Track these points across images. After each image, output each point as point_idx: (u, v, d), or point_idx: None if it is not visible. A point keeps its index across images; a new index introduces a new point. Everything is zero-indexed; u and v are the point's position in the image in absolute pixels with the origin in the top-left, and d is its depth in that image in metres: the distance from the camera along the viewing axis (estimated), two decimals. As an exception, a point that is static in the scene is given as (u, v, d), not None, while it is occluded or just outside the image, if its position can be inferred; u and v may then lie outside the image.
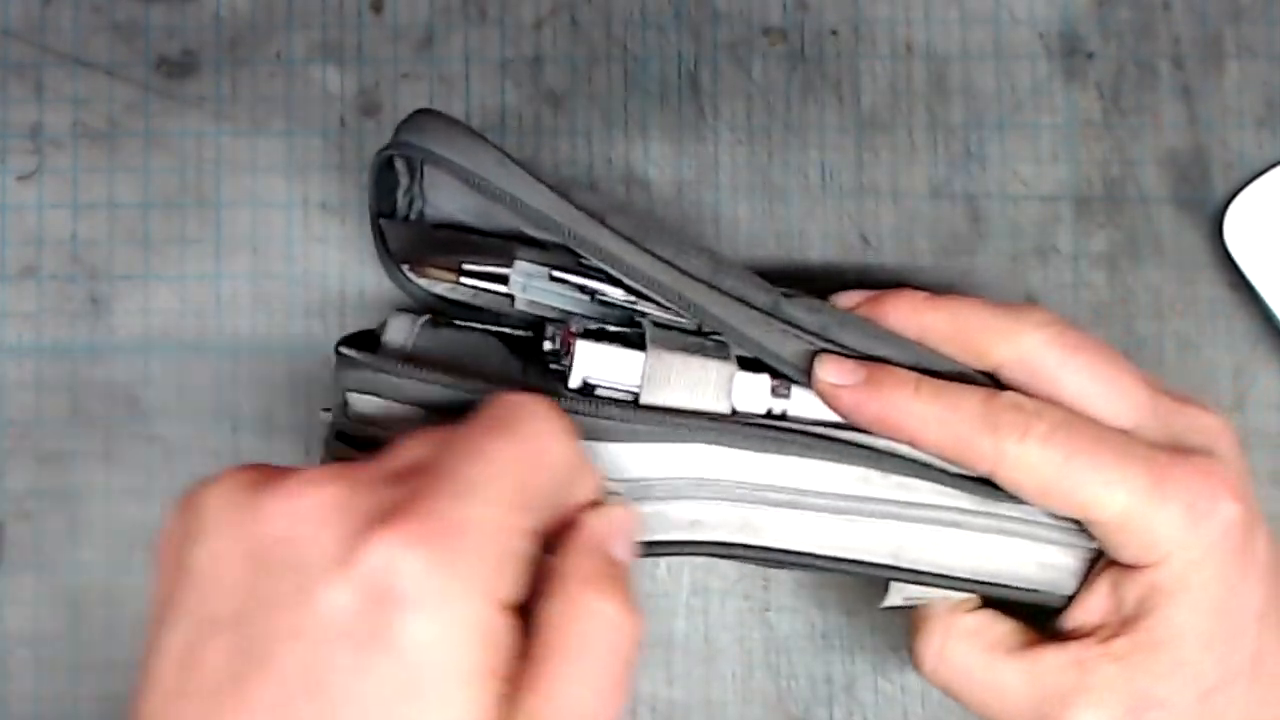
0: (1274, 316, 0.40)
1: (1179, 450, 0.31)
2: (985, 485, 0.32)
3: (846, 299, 0.34)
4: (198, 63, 0.41)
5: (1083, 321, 0.41)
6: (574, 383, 0.31)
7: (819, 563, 0.32)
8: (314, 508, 0.25)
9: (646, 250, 0.32)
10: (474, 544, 0.24)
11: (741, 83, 0.41)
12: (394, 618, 0.23)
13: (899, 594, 0.34)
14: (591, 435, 0.31)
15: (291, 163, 0.41)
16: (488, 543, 0.24)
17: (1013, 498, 0.31)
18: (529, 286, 0.35)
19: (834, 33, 0.41)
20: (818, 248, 0.41)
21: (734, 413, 0.32)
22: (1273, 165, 0.40)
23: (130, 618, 0.40)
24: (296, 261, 0.41)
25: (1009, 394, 0.31)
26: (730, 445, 0.31)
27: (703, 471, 0.32)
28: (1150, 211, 0.41)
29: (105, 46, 0.41)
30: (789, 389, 0.32)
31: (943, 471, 0.32)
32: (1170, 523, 0.30)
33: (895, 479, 0.32)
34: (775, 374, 0.32)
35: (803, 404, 0.32)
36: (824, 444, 0.32)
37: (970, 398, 0.31)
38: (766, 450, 0.31)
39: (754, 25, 0.41)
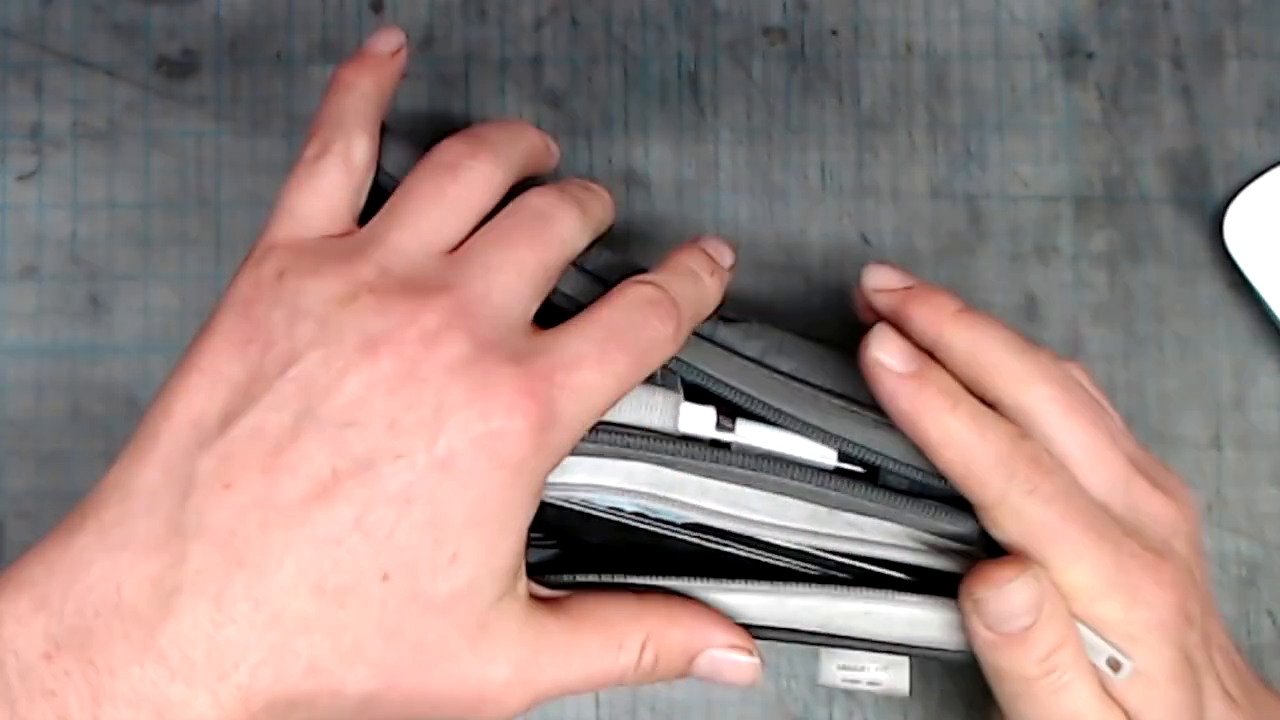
0: (1274, 316, 0.40)
1: (1137, 541, 0.31)
2: (931, 517, 0.32)
3: (880, 277, 0.33)
4: (198, 63, 0.41)
5: (1083, 321, 0.41)
6: None
7: (752, 631, 0.32)
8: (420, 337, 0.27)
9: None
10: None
11: (741, 83, 0.41)
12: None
13: (832, 663, 0.33)
14: None
15: (291, 163, 0.41)
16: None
17: (961, 537, 0.32)
18: None
19: (834, 33, 0.41)
20: (818, 248, 0.41)
21: (681, 438, 0.32)
22: (1273, 165, 0.40)
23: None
24: (296, 261, 0.41)
25: (1031, 444, 0.31)
26: (675, 468, 0.31)
27: (648, 489, 0.31)
28: (1150, 211, 0.41)
29: (105, 46, 0.41)
30: (734, 422, 0.32)
31: (886, 506, 0.32)
32: (1112, 607, 0.30)
33: (844, 517, 0.32)
34: (721, 407, 0.32)
35: (748, 438, 0.32)
36: (767, 476, 0.31)
37: (998, 435, 0.31)
38: (711, 476, 0.31)
39: (754, 25, 0.41)
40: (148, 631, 0.25)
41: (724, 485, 0.31)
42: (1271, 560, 0.40)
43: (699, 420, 0.32)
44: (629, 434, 0.31)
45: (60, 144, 0.41)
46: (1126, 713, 0.30)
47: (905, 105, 0.41)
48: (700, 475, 0.31)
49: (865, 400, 0.32)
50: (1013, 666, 0.30)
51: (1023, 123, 0.41)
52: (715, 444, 0.32)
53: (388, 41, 0.33)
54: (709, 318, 0.33)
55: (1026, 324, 0.41)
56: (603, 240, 0.33)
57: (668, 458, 0.31)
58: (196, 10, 0.41)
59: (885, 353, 0.31)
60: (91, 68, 0.41)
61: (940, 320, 0.32)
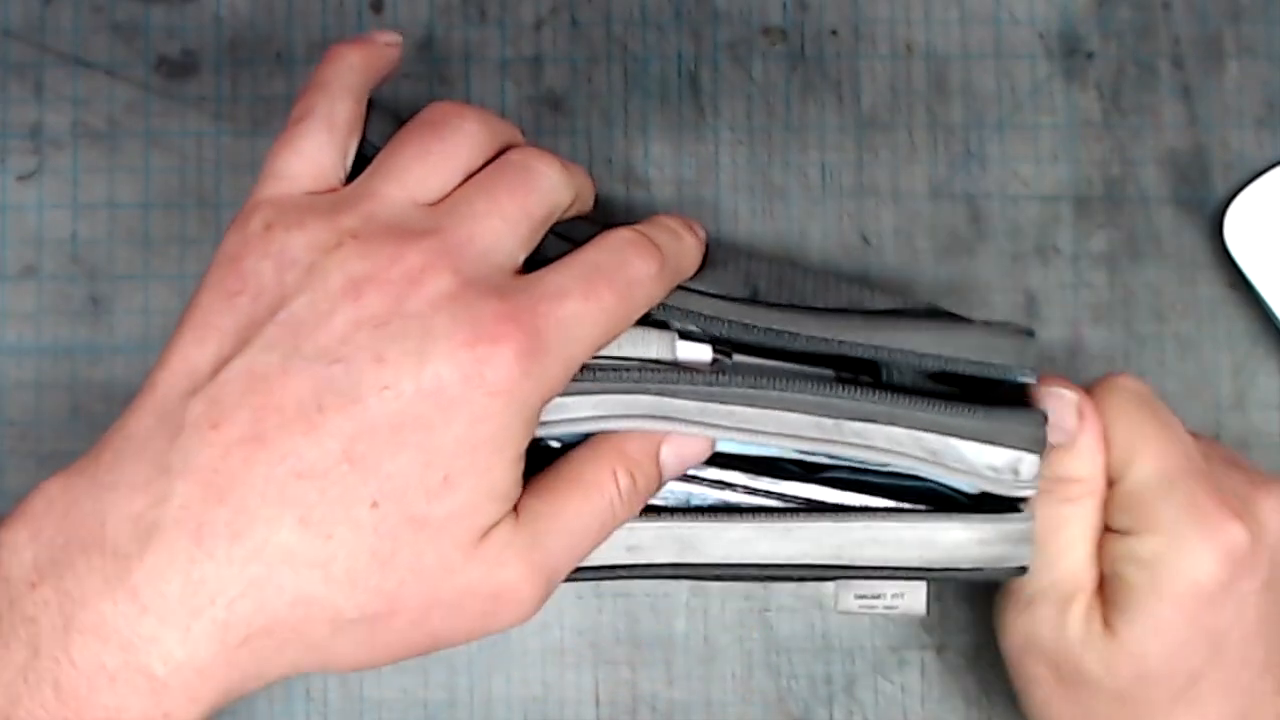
0: (1274, 316, 0.40)
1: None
2: (938, 413, 0.32)
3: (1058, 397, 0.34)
4: (198, 63, 0.41)
5: (1083, 321, 0.41)
6: None
7: (765, 572, 0.33)
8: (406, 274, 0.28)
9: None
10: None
11: (741, 83, 0.41)
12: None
13: (849, 593, 0.34)
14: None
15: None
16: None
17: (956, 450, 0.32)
18: None
19: (834, 33, 0.41)
20: (818, 248, 0.41)
21: (681, 367, 0.32)
22: (1273, 165, 0.40)
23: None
24: (296, 261, 0.41)
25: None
26: (676, 396, 0.31)
27: (649, 411, 0.32)
28: (1150, 211, 0.41)
29: (105, 46, 0.41)
30: (731, 356, 0.33)
31: (891, 406, 0.32)
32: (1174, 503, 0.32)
33: (850, 426, 0.32)
34: (717, 344, 0.33)
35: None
36: (769, 392, 0.31)
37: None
38: (712, 400, 0.31)
39: (754, 25, 0.41)
40: (123, 566, 0.26)
41: (727, 408, 0.31)
42: (1271, 560, 0.40)
43: (695, 354, 0.32)
44: (628, 368, 0.31)
45: (60, 144, 0.41)
46: (1111, 618, 0.32)
47: (905, 105, 0.41)
48: (701, 400, 0.31)
49: (860, 306, 0.33)
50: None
51: (1023, 123, 0.41)
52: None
53: (385, 35, 0.34)
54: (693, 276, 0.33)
55: (1026, 324, 0.41)
56: (587, 220, 0.33)
57: (669, 386, 0.31)
58: (196, 10, 0.41)
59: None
60: (91, 68, 0.41)
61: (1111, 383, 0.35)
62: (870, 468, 0.33)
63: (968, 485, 0.33)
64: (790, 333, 0.32)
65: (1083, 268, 0.41)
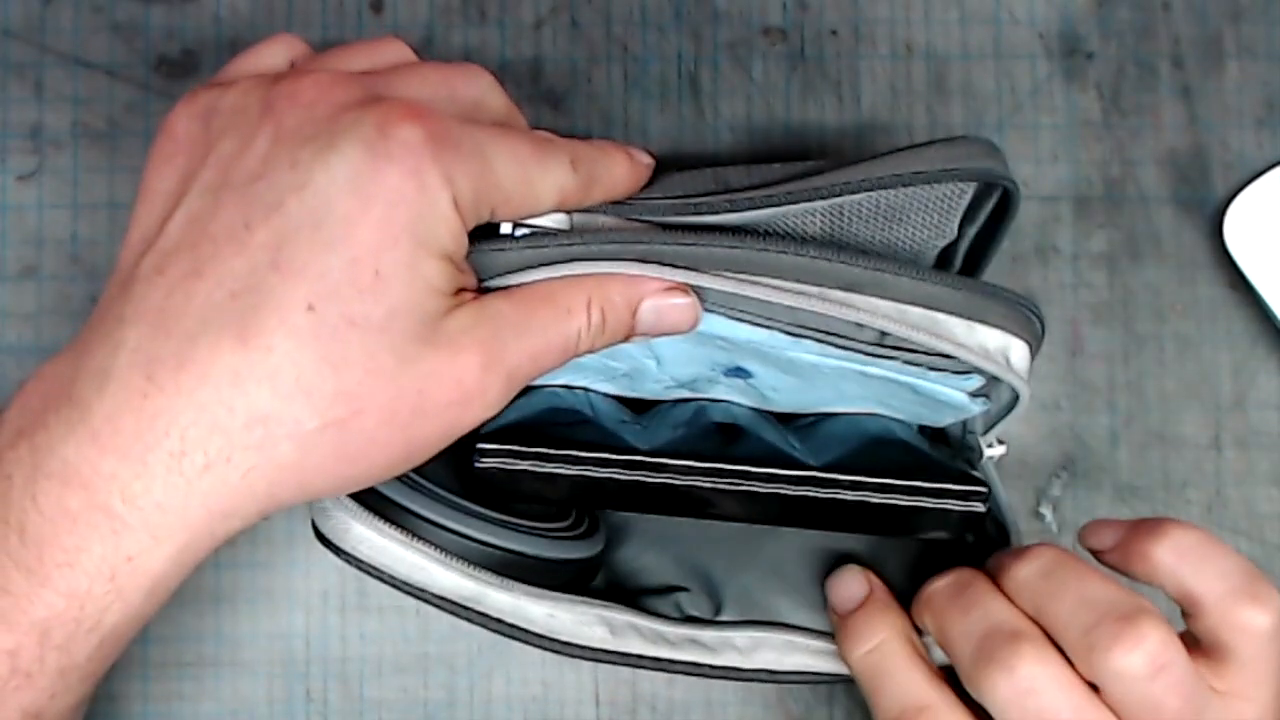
0: (1273, 316, 0.40)
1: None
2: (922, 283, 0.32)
3: (1099, 537, 0.33)
4: (198, 63, 0.41)
5: (1083, 321, 0.41)
6: (505, 229, 0.32)
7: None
8: (324, 84, 0.29)
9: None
10: (457, 141, 0.29)
11: (741, 83, 0.41)
12: (386, 168, 0.27)
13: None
14: (526, 264, 0.31)
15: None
16: (467, 147, 0.29)
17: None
18: None
19: (834, 33, 0.41)
20: (818, 248, 0.41)
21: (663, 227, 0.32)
22: (1273, 165, 0.40)
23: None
24: (296, 261, 0.41)
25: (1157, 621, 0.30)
26: (660, 259, 0.31)
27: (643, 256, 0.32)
28: (1150, 211, 0.41)
29: (105, 46, 0.41)
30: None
31: (876, 271, 0.31)
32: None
33: (836, 294, 0.31)
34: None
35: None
36: (753, 255, 0.31)
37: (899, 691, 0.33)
38: (698, 265, 0.31)
39: (754, 25, 0.41)
40: (84, 411, 0.27)
41: (712, 262, 0.32)
42: (1271, 560, 0.40)
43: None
44: (608, 233, 0.31)
45: (60, 144, 0.41)
46: None
47: (905, 105, 0.41)
48: (685, 265, 0.31)
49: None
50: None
51: (1023, 123, 0.41)
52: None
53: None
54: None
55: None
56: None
57: (654, 248, 0.31)
58: (196, 10, 0.41)
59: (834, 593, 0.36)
60: (91, 68, 0.41)
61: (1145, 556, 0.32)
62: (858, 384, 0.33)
63: (958, 384, 0.33)
64: (764, 195, 0.32)
65: (1083, 268, 0.41)
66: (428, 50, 0.41)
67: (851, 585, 0.35)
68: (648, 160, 0.34)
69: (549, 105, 0.41)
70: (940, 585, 0.33)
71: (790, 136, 0.41)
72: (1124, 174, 0.41)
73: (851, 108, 0.41)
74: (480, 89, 0.32)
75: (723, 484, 0.34)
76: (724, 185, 0.33)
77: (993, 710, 0.30)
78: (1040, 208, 0.41)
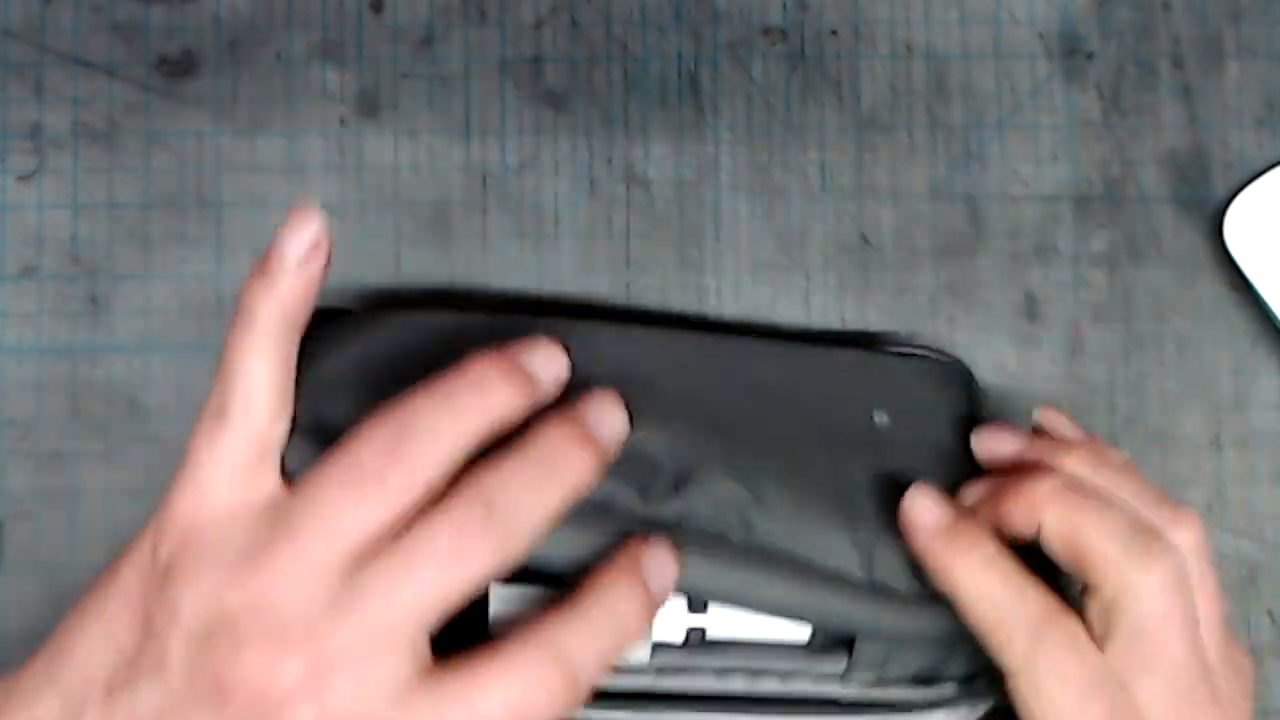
0: (1274, 316, 0.40)
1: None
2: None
3: (991, 443, 0.34)
4: (198, 63, 0.41)
5: (1083, 321, 0.41)
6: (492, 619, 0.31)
7: None
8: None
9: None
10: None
11: (741, 83, 0.41)
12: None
13: None
14: None
15: (291, 163, 0.41)
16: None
17: None
18: None
19: (834, 33, 0.41)
20: (818, 248, 0.41)
21: (654, 648, 0.32)
22: (1273, 165, 0.40)
23: (130, 618, 0.40)
24: (296, 261, 0.41)
25: (1069, 624, 0.30)
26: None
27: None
28: (1150, 211, 0.41)
29: (105, 46, 0.41)
30: (705, 605, 0.32)
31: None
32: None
33: None
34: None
35: (721, 621, 0.32)
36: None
37: (1034, 602, 0.30)
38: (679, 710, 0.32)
39: (754, 25, 0.41)
40: None
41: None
42: (1271, 560, 0.40)
43: (671, 609, 0.32)
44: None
45: (60, 144, 0.41)
46: None
47: (905, 105, 0.41)
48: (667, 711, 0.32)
49: (853, 566, 0.32)
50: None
51: (1023, 123, 0.41)
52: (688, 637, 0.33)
53: (299, 240, 0.29)
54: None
55: (1026, 324, 0.41)
56: None
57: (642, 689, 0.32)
58: (196, 10, 0.41)
59: (916, 512, 0.32)
60: (91, 68, 0.41)
61: (1032, 509, 0.31)
62: None
63: None
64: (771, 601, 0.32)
65: (1083, 268, 0.41)
66: (427, 50, 0.41)
67: (938, 502, 0.32)
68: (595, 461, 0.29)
69: (549, 105, 0.41)
70: (1047, 482, 0.31)
71: (790, 136, 0.41)
72: (1124, 174, 0.41)
73: (851, 108, 0.41)
74: (470, 581, 0.28)
75: None
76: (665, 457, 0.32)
77: (1142, 600, 0.30)
78: (1040, 208, 0.41)
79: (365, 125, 0.41)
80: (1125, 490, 0.32)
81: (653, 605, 0.29)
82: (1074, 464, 0.32)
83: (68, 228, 0.41)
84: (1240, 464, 0.40)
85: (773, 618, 0.32)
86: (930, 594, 0.32)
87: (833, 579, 0.32)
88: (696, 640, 0.32)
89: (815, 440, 0.34)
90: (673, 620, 0.32)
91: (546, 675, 0.27)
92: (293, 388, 0.30)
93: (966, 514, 0.32)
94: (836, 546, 0.32)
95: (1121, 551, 0.30)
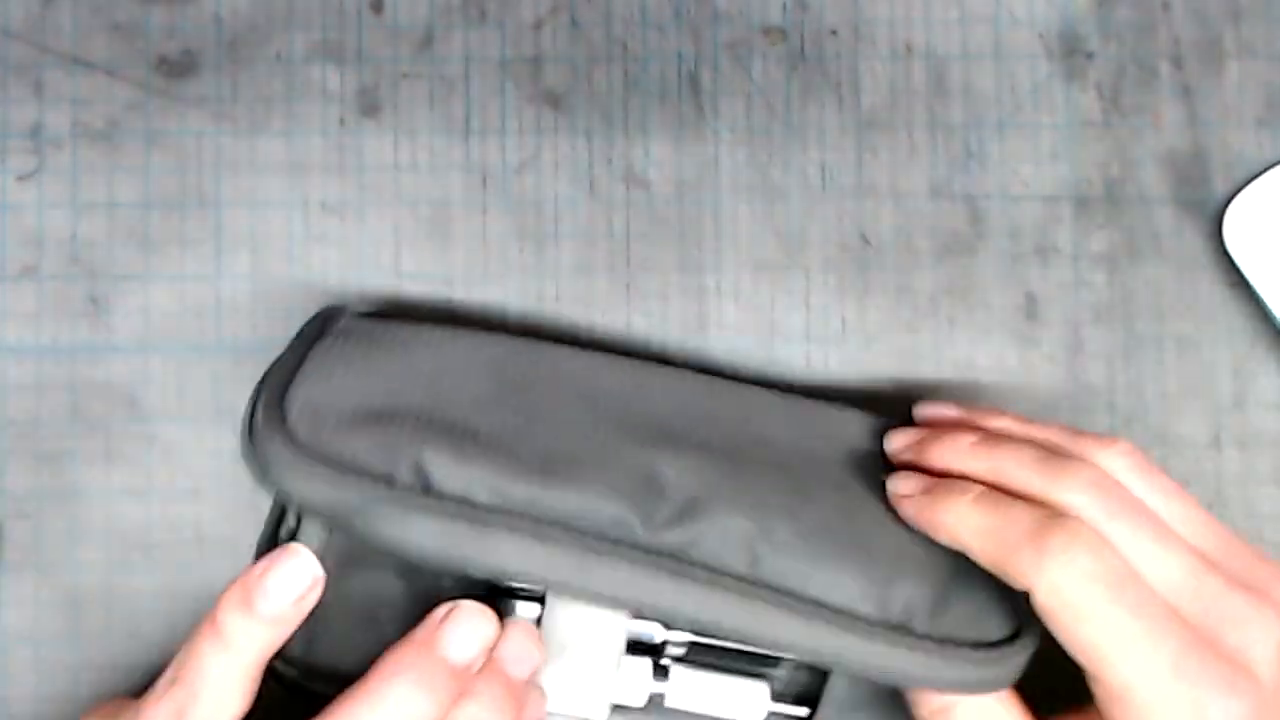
0: (1273, 316, 0.40)
1: (1209, 647, 0.29)
2: None
3: (898, 439, 0.35)
4: (198, 63, 0.41)
5: (1083, 321, 0.41)
6: None
7: None
8: None
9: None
10: None
11: (741, 83, 0.41)
12: None
13: None
14: None
15: (291, 163, 0.41)
16: None
17: None
18: None
19: (834, 33, 0.41)
20: (818, 248, 0.41)
21: (612, 709, 0.32)
22: (1273, 165, 0.40)
23: (130, 618, 0.40)
24: (296, 261, 0.41)
25: (1070, 521, 0.30)
26: None
27: None
28: (1150, 211, 0.41)
29: (105, 46, 0.41)
30: (668, 672, 0.33)
31: None
32: (1171, 712, 0.29)
33: None
34: (657, 660, 0.33)
35: (680, 687, 0.33)
36: None
37: (1024, 512, 0.30)
38: None
39: (754, 25, 0.41)
40: None
41: None
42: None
43: (637, 670, 0.32)
44: None
45: (60, 144, 0.41)
46: None
47: (905, 105, 0.41)
48: None
49: (868, 605, 0.31)
50: None
51: (1023, 123, 0.41)
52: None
53: (295, 583, 0.30)
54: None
55: (1026, 324, 0.41)
56: None
57: None
58: (196, 10, 0.41)
59: (899, 484, 0.33)
60: (91, 68, 0.41)
61: (959, 454, 0.33)
62: None
63: None
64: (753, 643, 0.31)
65: (1083, 268, 0.41)
66: (428, 50, 0.41)
67: (916, 474, 0.34)
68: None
69: (549, 105, 0.41)
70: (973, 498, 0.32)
71: (790, 136, 0.41)
72: (1124, 174, 0.41)
73: (851, 108, 0.41)
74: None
75: None
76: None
77: (1048, 596, 0.30)
78: (1040, 208, 0.41)
79: (365, 125, 0.41)
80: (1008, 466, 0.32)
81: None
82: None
83: (67, 228, 0.41)
84: (1240, 464, 0.40)
85: (731, 694, 0.32)
86: (951, 639, 0.31)
87: (844, 616, 0.31)
88: (658, 703, 0.33)
89: (826, 484, 0.34)
90: (637, 683, 0.32)
91: None
92: (255, 692, 0.30)
93: (932, 479, 0.33)
94: (849, 584, 0.31)
95: (1042, 471, 0.31)
